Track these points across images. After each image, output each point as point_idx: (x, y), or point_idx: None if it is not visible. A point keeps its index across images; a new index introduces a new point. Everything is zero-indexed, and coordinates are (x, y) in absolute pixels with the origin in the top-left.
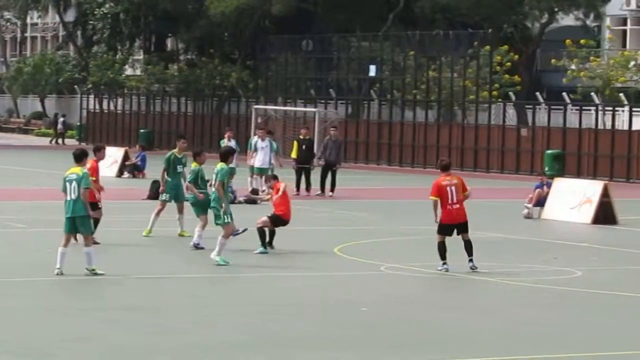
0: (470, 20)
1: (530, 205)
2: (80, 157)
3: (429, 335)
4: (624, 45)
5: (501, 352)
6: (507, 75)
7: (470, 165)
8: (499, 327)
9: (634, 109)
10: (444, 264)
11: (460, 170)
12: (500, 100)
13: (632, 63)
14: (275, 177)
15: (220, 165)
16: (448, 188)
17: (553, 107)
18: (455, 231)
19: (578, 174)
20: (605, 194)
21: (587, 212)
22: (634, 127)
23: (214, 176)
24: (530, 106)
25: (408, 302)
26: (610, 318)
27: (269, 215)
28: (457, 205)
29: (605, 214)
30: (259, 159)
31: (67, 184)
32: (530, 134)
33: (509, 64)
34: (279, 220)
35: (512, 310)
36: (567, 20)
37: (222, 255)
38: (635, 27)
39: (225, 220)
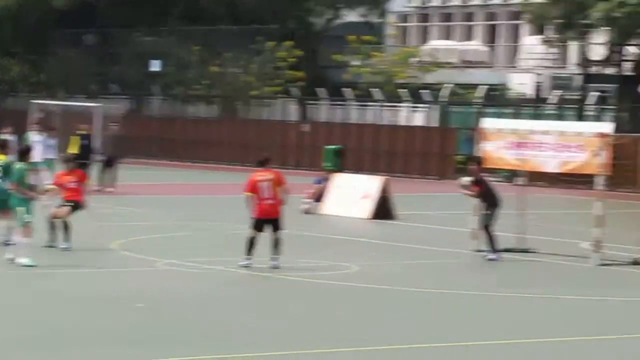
0: (255, 15)
1: (309, 201)
2: None
3: (205, 331)
4: (406, 42)
5: (282, 347)
6: (290, 71)
7: (252, 161)
8: (279, 322)
9: (414, 105)
10: (248, 259)
11: (242, 165)
12: (283, 95)
13: (414, 59)
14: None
15: (18, 165)
16: (261, 184)
17: (335, 102)
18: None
19: (358, 169)
20: (384, 189)
21: (366, 207)
22: (414, 123)
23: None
24: (312, 102)
25: (184, 298)
26: (387, 312)
27: (68, 204)
28: (271, 201)
29: (383, 209)
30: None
31: None
32: (312, 129)
33: (292, 59)
34: (78, 205)
35: (288, 304)
36: (351, 16)
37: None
38: (416, 24)
39: (25, 221)
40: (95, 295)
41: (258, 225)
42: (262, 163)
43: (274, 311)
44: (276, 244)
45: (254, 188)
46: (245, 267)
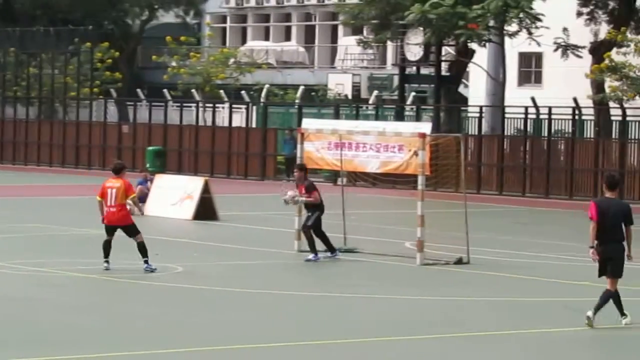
0: (71, 16)
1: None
2: None
3: (29, 333)
4: (224, 43)
5: (107, 349)
6: (108, 72)
7: (72, 162)
8: (104, 324)
9: (233, 106)
10: (106, 262)
11: (62, 166)
12: (101, 97)
13: (232, 60)
14: None
15: None
16: (109, 190)
17: (154, 103)
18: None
19: (179, 170)
20: (205, 189)
21: (188, 208)
22: (233, 124)
23: None
24: (131, 103)
25: (8, 300)
26: (212, 312)
27: None
28: (114, 209)
29: (205, 210)
30: None
31: None
32: (132, 131)
33: (109, 60)
34: None
35: (116, 306)
36: (168, 17)
37: None
38: (234, 24)
39: None
40: None
41: (108, 230)
42: (117, 171)
43: (98, 312)
44: (139, 248)
45: (103, 194)
46: (106, 269)
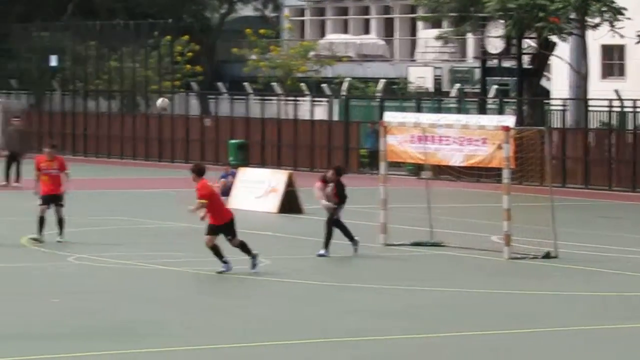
0: (150, 10)
1: None
2: None
3: (116, 325)
4: (303, 36)
5: (194, 342)
6: (188, 65)
7: (155, 156)
8: (190, 317)
9: (315, 99)
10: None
11: (145, 160)
12: (182, 90)
13: (312, 53)
14: None
15: None
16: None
17: (235, 97)
18: None
19: (262, 163)
20: (290, 183)
21: (273, 201)
22: (315, 117)
23: None
24: (212, 96)
25: (97, 292)
26: (301, 306)
27: None
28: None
29: (290, 203)
30: None
31: None
32: (214, 124)
33: (190, 54)
34: None
35: (205, 299)
36: (246, 10)
37: None
38: (313, 17)
39: None
40: (9, 291)
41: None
42: (199, 172)
43: (183, 305)
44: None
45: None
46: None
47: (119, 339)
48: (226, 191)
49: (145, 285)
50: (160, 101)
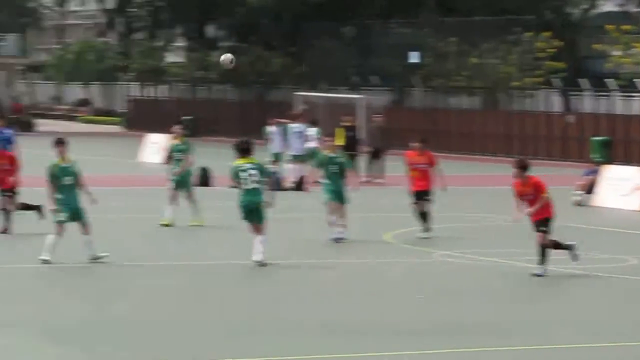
0: (510, 6)
1: (580, 193)
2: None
3: (457, 323)
4: None
5: (532, 341)
6: (550, 62)
7: (516, 153)
8: (527, 316)
9: None
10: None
11: (507, 156)
12: (544, 86)
13: None
14: None
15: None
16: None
17: (598, 93)
18: None
19: (627, 160)
20: None
21: (639, 200)
22: None
23: None
24: (575, 93)
25: (463, 291)
26: None
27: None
28: None
29: None
30: (295, 147)
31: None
32: (576, 121)
33: (552, 50)
34: None
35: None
36: (608, 6)
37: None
38: None
39: (58, 219)
40: (380, 288)
41: None
42: (525, 167)
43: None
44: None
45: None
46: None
47: (459, 338)
48: (590, 188)
49: (500, 284)
50: (223, 57)
